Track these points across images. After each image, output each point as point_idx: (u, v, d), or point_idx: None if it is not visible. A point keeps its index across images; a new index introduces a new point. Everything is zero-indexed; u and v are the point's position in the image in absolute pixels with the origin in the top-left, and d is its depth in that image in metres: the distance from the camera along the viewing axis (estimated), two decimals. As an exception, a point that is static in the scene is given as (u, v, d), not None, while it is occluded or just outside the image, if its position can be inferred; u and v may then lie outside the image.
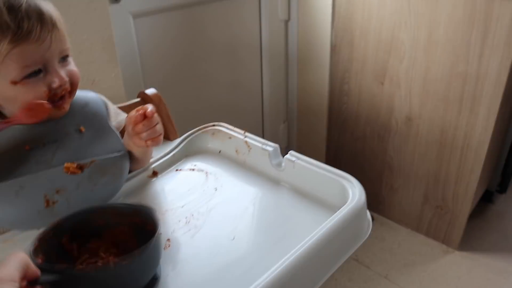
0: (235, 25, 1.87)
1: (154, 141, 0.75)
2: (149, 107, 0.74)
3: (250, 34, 1.96)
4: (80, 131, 0.78)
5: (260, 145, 0.89)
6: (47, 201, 0.71)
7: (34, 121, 0.70)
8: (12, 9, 0.66)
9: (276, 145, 0.88)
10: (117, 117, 0.88)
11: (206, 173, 0.89)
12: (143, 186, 0.85)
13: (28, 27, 0.67)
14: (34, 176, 0.71)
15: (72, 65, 0.76)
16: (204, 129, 0.97)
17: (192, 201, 0.81)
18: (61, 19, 0.75)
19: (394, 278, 1.66)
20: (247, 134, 0.92)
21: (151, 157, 0.89)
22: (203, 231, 0.73)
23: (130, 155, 0.82)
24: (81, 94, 0.84)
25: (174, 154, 0.92)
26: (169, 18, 1.63)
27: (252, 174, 0.88)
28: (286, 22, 2.06)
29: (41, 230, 0.61)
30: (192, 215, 0.77)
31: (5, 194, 0.69)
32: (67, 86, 0.73)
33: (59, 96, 0.72)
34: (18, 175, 0.72)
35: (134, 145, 0.78)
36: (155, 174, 0.88)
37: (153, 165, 0.89)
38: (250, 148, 0.90)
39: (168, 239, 0.71)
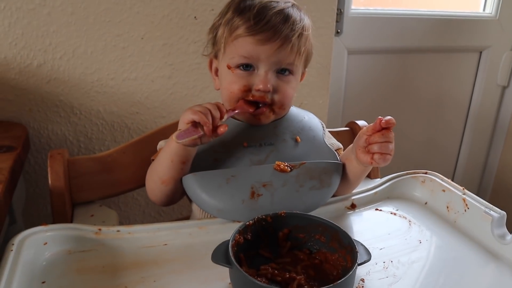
0: (446, 81, 1.74)
1: (382, 157, 0.68)
2: (388, 117, 0.68)
3: (460, 93, 1.80)
4: (296, 140, 0.78)
5: (482, 207, 0.75)
6: (253, 192, 0.71)
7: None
8: (264, 9, 0.72)
9: (503, 213, 0.73)
10: (330, 139, 0.85)
11: (410, 221, 0.79)
12: (340, 216, 0.79)
13: (268, 25, 0.70)
14: (246, 168, 0.73)
15: (289, 85, 0.76)
16: (414, 175, 0.87)
17: (392, 247, 0.71)
18: (309, 38, 0.76)
19: None
20: (466, 191, 0.80)
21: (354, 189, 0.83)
22: (403, 283, 0.63)
23: (342, 174, 0.78)
24: (301, 111, 0.85)
25: (376, 192, 0.85)
26: (381, 60, 1.59)
27: (464, 238, 0.74)
28: (504, 88, 1.85)
29: (257, 217, 0.63)
30: (391, 261, 0.68)
31: (218, 180, 0.71)
32: (267, 97, 0.74)
33: (255, 101, 0.74)
34: (233, 166, 0.74)
35: (356, 159, 0.73)
36: (353, 206, 0.81)
37: (354, 197, 0.82)
38: (468, 208, 0.77)
39: (362, 279, 0.63)
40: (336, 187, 0.76)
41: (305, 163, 0.74)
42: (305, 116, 0.84)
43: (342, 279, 0.50)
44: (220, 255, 0.55)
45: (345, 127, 1.01)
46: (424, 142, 1.80)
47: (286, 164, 0.73)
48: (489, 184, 1.97)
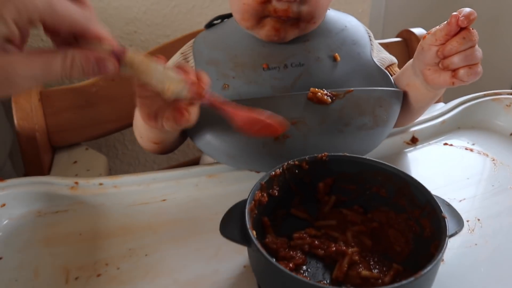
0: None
1: (472, 71, 0.46)
2: (465, 8, 0.45)
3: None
4: (334, 58, 0.56)
5: None
6: None
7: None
8: None
9: None
10: (379, 53, 0.62)
11: (494, 160, 0.58)
12: (396, 154, 0.59)
13: None
14: (268, 98, 0.52)
15: None
16: (495, 96, 0.65)
17: (477, 197, 0.51)
18: None
19: None
20: None
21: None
22: (501, 253, 0.44)
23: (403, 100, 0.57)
24: (341, 16, 0.62)
25: (444, 121, 0.63)
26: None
27: None
28: None
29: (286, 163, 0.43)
30: (479, 220, 0.48)
31: None
32: (292, 10, 0.52)
33: (277, 16, 0.53)
34: (249, 96, 0.54)
35: (424, 83, 0.51)
36: (414, 141, 0.61)
37: (414, 128, 0.62)
38: None
39: (439, 248, 0.44)
40: (393, 125, 0.56)
41: (352, 90, 0.52)
42: (346, 24, 0.61)
43: (430, 267, 0.31)
44: (233, 225, 0.37)
45: (397, 37, 0.78)
46: (485, 42, 1.53)
47: (326, 92, 0.52)
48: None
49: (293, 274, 0.31)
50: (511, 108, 0.64)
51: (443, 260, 0.43)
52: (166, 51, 0.72)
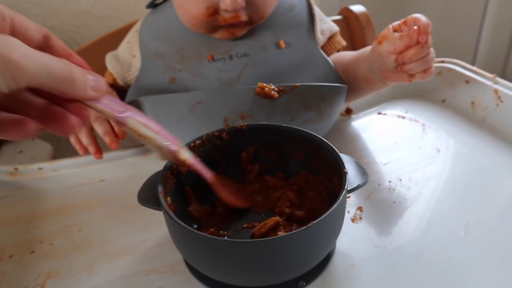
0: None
1: (426, 74, 0.49)
2: (422, 20, 0.46)
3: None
4: (279, 45, 0.57)
5: (521, 98, 0.56)
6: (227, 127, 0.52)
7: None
8: None
9: (551, 104, 0.54)
10: (322, 24, 0.62)
11: (423, 125, 0.61)
12: (333, 124, 0.61)
13: None
14: (217, 92, 0.52)
15: None
16: (427, 66, 0.67)
17: (402, 160, 0.54)
18: None
19: None
20: (498, 79, 0.60)
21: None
22: (417, 209, 0.47)
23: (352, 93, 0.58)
24: None
25: (378, 92, 0.66)
26: None
27: (497, 142, 0.56)
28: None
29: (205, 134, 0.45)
30: (400, 180, 0.51)
31: (179, 108, 0.51)
32: (242, 15, 0.53)
33: (229, 24, 0.53)
34: (196, 88, 0.55)
35: (385, 79, 0.52)
36: (348, 112, 0.63)
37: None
38: (501, 101, 0.58)
39: (360, 208, 0.47)
40: (338, 112, 0.57)
41: (298, 86, 0.51)
42: (293, 5, 0.59)
43: (320, 218, 0.33)
44: (149, 192, 0.38)
45: (338, 15, 0.80)
46: (439, 12, 1.54)
47: (273, 87, 0.51)
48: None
49: (190, 228, 0.33)
50: (442, 75, 0.66)
51: (361, 217, 0.46)
52: (113, 37, 0.73)
